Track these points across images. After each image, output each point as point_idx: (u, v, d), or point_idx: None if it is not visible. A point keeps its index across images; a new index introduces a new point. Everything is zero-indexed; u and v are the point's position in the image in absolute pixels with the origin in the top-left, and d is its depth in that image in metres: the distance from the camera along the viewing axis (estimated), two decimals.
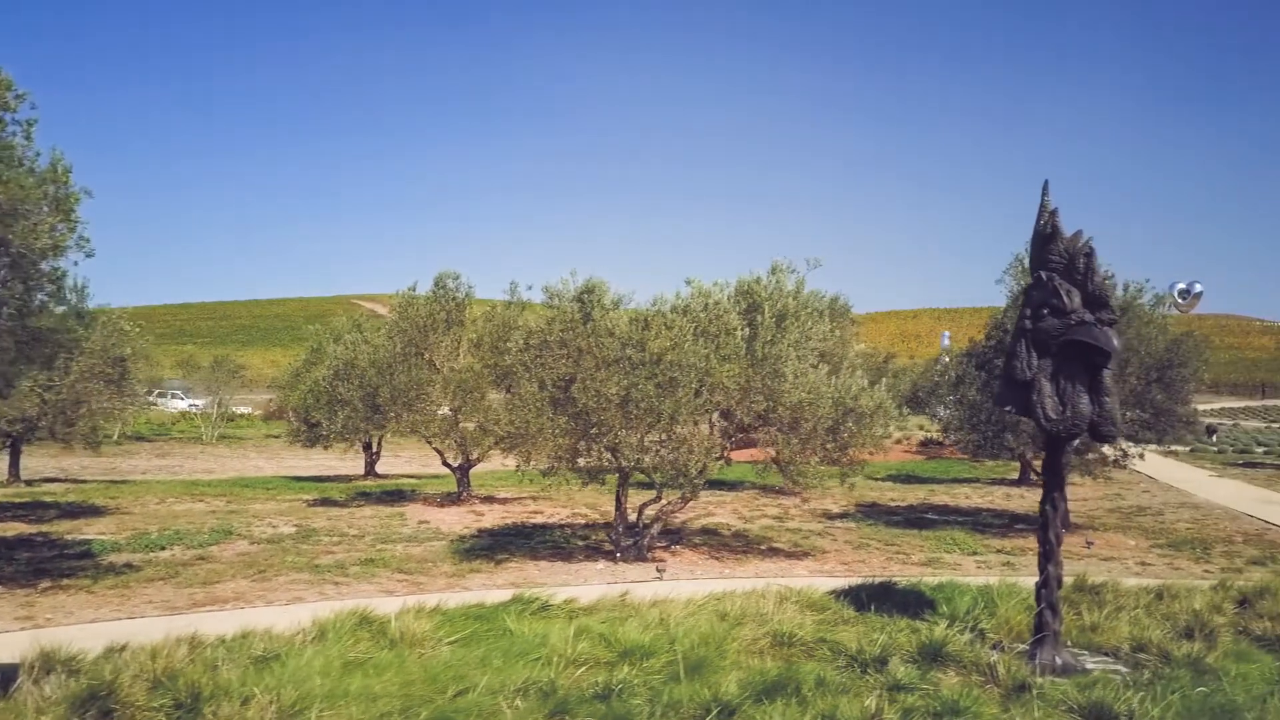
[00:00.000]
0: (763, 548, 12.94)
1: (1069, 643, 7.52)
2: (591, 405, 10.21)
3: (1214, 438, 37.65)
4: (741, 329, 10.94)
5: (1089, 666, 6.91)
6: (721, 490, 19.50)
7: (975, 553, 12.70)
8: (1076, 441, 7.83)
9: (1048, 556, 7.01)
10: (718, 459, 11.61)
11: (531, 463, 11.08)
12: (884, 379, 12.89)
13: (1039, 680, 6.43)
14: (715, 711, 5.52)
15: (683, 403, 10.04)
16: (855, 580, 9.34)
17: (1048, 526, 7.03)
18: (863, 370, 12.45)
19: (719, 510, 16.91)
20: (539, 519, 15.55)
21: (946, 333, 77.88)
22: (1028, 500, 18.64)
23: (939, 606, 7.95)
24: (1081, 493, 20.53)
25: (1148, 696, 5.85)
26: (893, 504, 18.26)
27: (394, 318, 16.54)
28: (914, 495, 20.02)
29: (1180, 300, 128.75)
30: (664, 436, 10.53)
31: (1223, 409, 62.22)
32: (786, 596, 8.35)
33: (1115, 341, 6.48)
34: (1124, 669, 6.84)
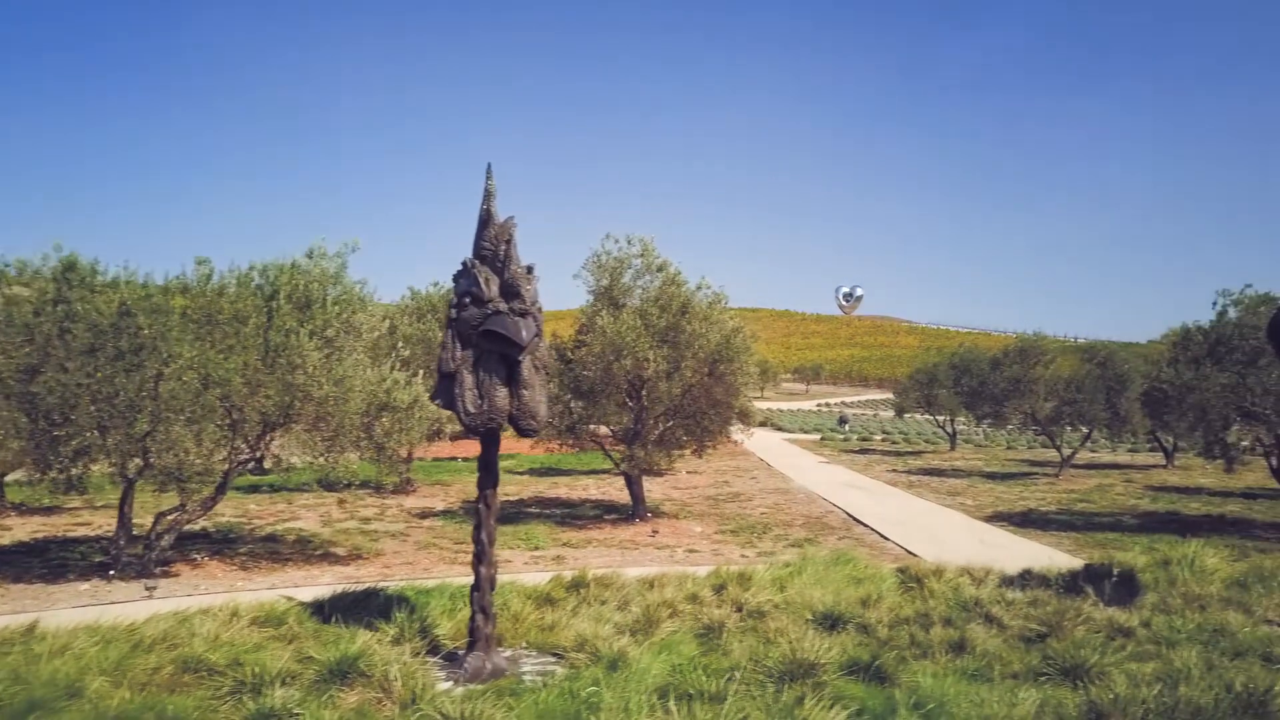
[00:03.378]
0: (317, 554, 12.02)
1: (524, 644, 7.32)
2: (55, 403, 8.78)
3: (846, 426, 41.55)
4: (258, 316, 9.95)
5: (526, 669, 6.69)
6: (328, 490, 18.30)
7: (538, 547, 12.56)
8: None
9: (479, 558, 6.70)
10: (243, 461, 10.57)
11: None
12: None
13: (456, 691, 6.09)
14: None
15: (165, 399, 8.88)
16: (346, 587, 8.68)
17: (480, 526, 6.72)
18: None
19: (309, 513, 15.78)
20: (85, 530, 13.61)
21: None
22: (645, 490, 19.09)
23: (394, 614, 7.44)
24: (694, 480, 21.55)
25: (523, 701, 5.64)
26: (505, 498, 17.98)
27: None
28: (536, 487, 19.96)
29: (844, 302, 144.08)
30: (154, 439, 9.28)
31: (868, 400, 69.54)
32: (241, 613, 7.52)
33: (525, 334, 6.24)
34: (559, 669, 6.68)
